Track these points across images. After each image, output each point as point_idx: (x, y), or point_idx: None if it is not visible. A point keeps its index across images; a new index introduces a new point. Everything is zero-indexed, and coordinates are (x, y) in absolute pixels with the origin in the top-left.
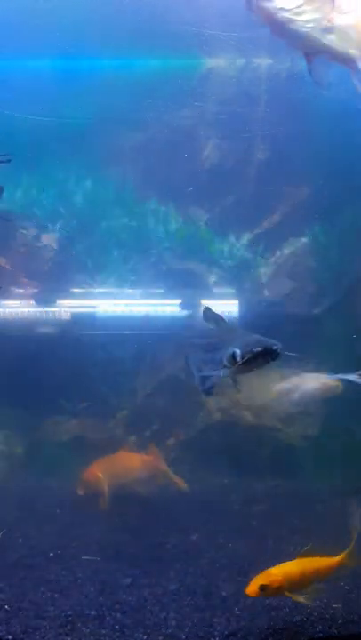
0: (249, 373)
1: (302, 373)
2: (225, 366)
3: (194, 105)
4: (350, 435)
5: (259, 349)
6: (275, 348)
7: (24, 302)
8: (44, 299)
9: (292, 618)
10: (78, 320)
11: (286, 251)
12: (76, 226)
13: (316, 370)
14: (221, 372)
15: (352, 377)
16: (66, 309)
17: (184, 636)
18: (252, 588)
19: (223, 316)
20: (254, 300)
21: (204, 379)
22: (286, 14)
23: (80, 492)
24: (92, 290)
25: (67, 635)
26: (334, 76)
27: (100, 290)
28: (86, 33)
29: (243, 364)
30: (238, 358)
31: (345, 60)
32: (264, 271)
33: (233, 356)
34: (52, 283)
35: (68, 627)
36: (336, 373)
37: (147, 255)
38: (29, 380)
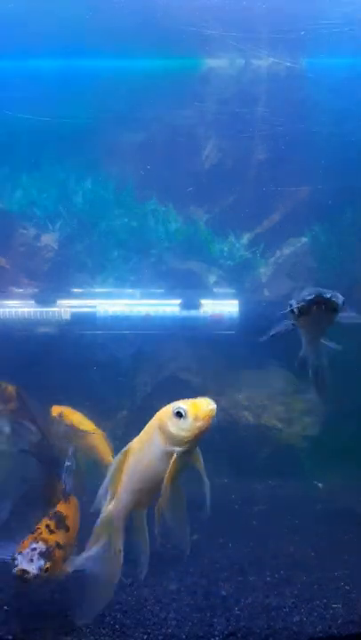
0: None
1: None
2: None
3: (194, 105)
4: (351, 434)
5: (310, 297)
6: (328, 296)
7: (24, 302)
8: (44, 299)
9: (292, 618)
10: (78, 320)
11: (286, 251)
12: (76, 226)
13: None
14: (285, 326)
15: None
16: (66, 309)
17: (184, 636)
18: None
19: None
20: (254, 299)
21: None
22: None
23: None
24: (91, 290)
25: (67, 634)
26: (335, 76)
27: (100, 290)
28: (86, 33)
29: (301, 315)
30: (294, 309)
31: None
32: (264, 271)
33: (291, 308)
34: (52, 283)
35: (68, 627)
36: None
37: (147, 255)
38: (29, 380)
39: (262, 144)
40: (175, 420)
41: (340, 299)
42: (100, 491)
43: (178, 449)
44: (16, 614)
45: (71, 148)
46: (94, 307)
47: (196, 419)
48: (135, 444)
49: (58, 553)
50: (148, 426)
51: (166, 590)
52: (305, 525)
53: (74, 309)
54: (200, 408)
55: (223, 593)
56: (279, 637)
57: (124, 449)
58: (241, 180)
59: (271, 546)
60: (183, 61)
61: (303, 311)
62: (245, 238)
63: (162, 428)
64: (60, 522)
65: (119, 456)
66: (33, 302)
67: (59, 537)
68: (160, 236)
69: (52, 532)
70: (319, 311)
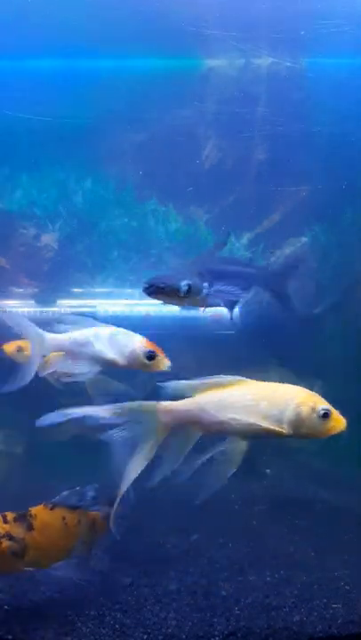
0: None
1: None
2: None
3: (194, 105)
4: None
5: (145, 285)
6: (152, 284)
7: (24, 302)
8: (44, 299)
9: (292, 618)
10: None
11: (286, 251)
12: (76, 226)
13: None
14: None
15: None
16: (66, 309)
17: (184, 636)
18: None
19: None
20: (254, 299)
21: None
22: None
23: None
24: (91, 290)
25: (67, 634)
26: (335, 76)
27: (100, 290)
28: (86, 33)
29: (148, 294)
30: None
31: None
32: None
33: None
34: (52, 283)
35: (68, 627)
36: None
37: (147, 255)
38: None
39: (262, 144)
40: (316, 416)
41: (176, 286)
42: (184, 383)
43: (289, 432)
44: (16, 614)
45: (71, 148)
46: (94, 307)
47: (329, 429)
48: (254, 390)
49: (5, 544)
50: (281, 391)
51: (166, 590)
52: (305, 525)
53: (74, 309)
54: (339, 425)
55: (223, 593)
56: (279, 637)
57: (240, 379)
58: (241, 180)
59: (271, 546)
60: (183, 61)
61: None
62: (245, 238)
63: (299, 411)
64: (22, 517)
65: (230, 379)
66: (33, 302)
67: (13, 529)
68: (160, 235)
69: (6, 522)
70: (157, 295)
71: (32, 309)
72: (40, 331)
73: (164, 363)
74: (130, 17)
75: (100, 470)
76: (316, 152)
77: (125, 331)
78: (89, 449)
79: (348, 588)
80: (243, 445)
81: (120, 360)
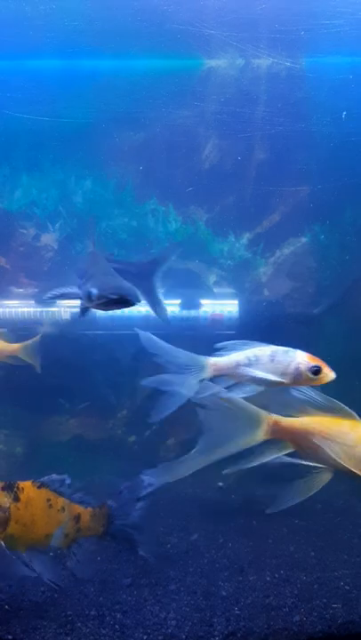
0: None
1: None
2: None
3: (194, 105)
4: None
5: (114, 296)
6: (129, 298)
7: (24, 302)
8: (44, 299)
9: (291, 618)
10: (78, 320)
11: (286, 251)
12: (76, 226)
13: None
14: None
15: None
16: (66, 309)
17: (184, 636)
18: None
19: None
20: (254, 299)
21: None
22: None
23: None
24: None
25: (67, 634)
26: (335, 76)
27: None
28: (86, 33)
29: (97, 305)
30: (94, 298)
31: None
32: (264, 271)
33: (89, 294)
34: (51, 283)
35: (68, 627)
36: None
37: (147, 255)
38: (29, 380)
39: (262, 144)
40: None
41: (136, 298)
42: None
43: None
44: (16, 614)
45: (71, 148)
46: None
47: None
48: (357, 432)
49: None
50: None
51: (166, 590)
52: (305, 525)
53: (74, 309)
54: None
55: (223, 593)
56: (279, 637)
57: (353, 416)
58: (241, 180)
59: (271, 546)
60: (183, 61)
61: (101, 303)
62: (245, 238)
63: None
64: (9, 487)
65: (348, 413)
66: (33, 302)
67: None
68: (160, 235)
69: None
70: (116, 306)
71: (32, 309)
72: (201, 357)
73: (330, 376)
74: (130, 16)
75: (100, 471)
76: (317, 152)
77: (285, 348)
78: (89, 449)
79: (348, 588)
80: (327, 477)
81: (284, 379)
